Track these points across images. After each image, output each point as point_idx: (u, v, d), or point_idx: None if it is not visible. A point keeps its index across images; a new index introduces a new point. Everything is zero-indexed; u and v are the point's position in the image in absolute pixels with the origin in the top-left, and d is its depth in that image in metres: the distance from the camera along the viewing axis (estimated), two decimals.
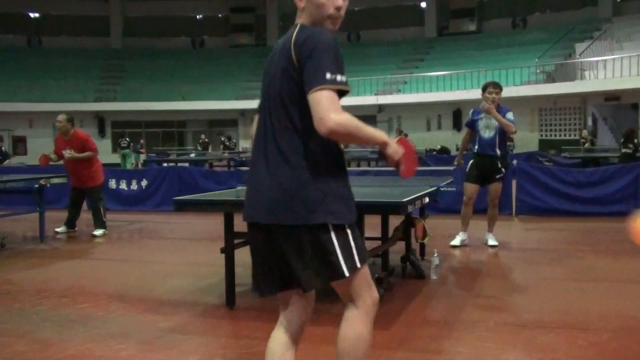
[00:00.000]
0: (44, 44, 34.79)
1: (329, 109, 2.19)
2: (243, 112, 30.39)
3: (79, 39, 34.90)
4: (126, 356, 3.71)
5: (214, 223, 7.89)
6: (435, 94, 26.05)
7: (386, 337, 3.99)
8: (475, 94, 27.42)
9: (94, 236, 8.40)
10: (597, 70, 22.78)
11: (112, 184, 11.69)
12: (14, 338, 4.05)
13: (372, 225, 5.15)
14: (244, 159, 21.90)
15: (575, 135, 23.91)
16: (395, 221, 5.61)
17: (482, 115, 6.87)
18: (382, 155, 2.45)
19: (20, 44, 34.51)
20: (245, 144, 29.54)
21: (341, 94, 2.29)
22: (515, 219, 9.47)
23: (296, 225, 2.30)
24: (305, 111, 2.27)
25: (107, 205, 9.40)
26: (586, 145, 18.78)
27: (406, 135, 19.72)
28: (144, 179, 11.75)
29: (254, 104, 21.40)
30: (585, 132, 20.15)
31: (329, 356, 3.73)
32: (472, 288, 5.38)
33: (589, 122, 24.45)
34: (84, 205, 8.98)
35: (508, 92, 25.36)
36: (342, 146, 2.45)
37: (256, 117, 2.55)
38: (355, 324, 2.53)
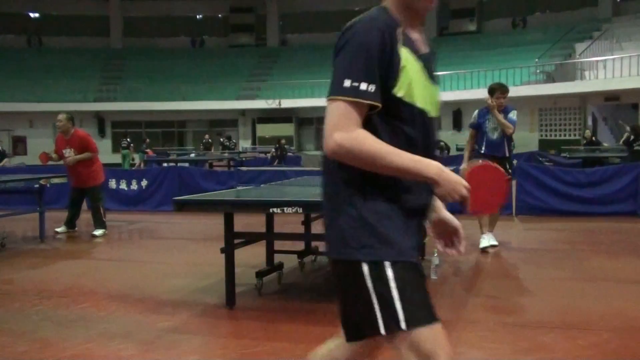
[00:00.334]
0: (44, 44, 34.78)
1: (335, 126, 1.75)
2: (243, 112, 30.41)
3: (79, 39, 34.88)
4: (126, 356, 3.71)
5: (214, 223, 7.89)
6: None
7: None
8: (476, 94, 27.49)
9: (94, 236, 8.40)
10: (597, 70, 22.77)
11: (112, 184, 11.68)
12: (14, 338, 4.05)
13: None
14: (243, 159, 21.90)
15: (575, 135, 23.91)
16: None
17: (488, 117, 6.78)
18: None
19: (20, 44, 34.50)
20: (245, 144, 29.56)
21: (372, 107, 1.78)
22: (516, 219, 9.47)
23: (334, 258, 1.89)
24: None
25: (107, 205, 9.40)
26: (588, 145, 18.75)
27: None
28: (144, 179, 11.74)
29: (254, 104, 21.48)
30: (588, 132, 20.15)
31: None
32: (472, 288, 5.38)
33: (589, 122, 24.44)
34: (84, 205, 8.97)
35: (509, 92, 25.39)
36: None
37: None
38: None
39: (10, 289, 5.53)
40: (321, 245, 6.39)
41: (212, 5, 36.29)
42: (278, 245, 5.77)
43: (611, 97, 22.96)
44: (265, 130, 30.10)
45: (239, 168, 14.20)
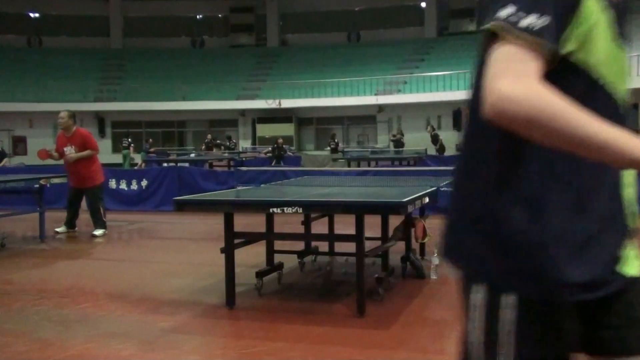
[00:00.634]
0: (44, 44, 34.78)
1: (498, 73, 1.11)
2: (243, 112, 30.40)
3: (79, 39, 34.88)
4: (126, 356, 3.71)
5: (214, 223, 7.89)
6: (435, 94, 26.05)
7: (386, 337, 3.99)
8: None
9: (94, 236, 8.39)
10: None
11: (112, 184, 11.68)
12: (14, 338, 4.05)
13: (372, 225, 5.15)
14: (244, 159, 21.90)
15: None
16: (395, 221, 5.61)
17: None
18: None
19: (20, 44, 34.49)
20: (245, 144, 29.55)
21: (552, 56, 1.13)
22: None
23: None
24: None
25: (107, 205, 9.39)
26: None
27: None
28: (144, 179, 11.74)
29: (254, 104, 21.49)
30: None
31: (329, 356, 3.73)
32: None
33: None
34: (84, 206, 8.97)
35: None
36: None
37: None
38: None
39: (10, 289, 5.53)
40: (321, 245, 6.39)
41: (212, 5, 36.29)
42: (278, 245, 5.77)
43: None
44: (265, 130, 30.10)
45: (239, 168, 14.19)
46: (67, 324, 4.35)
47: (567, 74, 1.18)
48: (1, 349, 3.83)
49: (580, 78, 1.20)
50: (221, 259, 4.76)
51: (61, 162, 8.78)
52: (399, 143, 22.51)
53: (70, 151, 8.41)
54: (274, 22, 35.42)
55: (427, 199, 5.05)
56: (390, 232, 5.51)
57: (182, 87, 29.73)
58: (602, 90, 1.23)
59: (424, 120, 25.81)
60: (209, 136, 26.67)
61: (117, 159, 24.75)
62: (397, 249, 5.68)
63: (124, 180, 11.77)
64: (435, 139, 21.96)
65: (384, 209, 4.60)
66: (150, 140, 26.89)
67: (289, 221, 6.34)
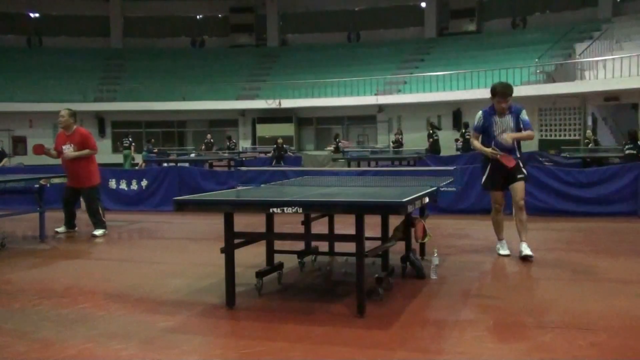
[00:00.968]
0: (44, 44, 34.77)
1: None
2: (243, 112, 30.39)
3: (79, 39, 34.88)
4: (126, 356, 3.71)
5: (214, 223, 7.89)
6: (435, 94, 26.04)
7: (386, 337, 3.99)
8: (476, 94, 27.40)
9: (94, 236, 8.39)
10: (597, 70, 22.75)
11: (112, 184, 11.69)
12: (14, 338, 4.05)
13: (372, 225, 5.15)
14: (244, 159, 21.90)
15: (575, 135, 23.90)
16: (395, 221, 5.61)
17: (495, 119, 6.35)
18: None
19: (20, 44, 34.49)
20: (245, 144, 29.54)
21: None
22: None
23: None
24: None
25: (107, 205, 9.39)
26: (590, 145, 18.73)
27: None
28: (144, 179, 11.75)
29: (254, 104, 21.53)
30: (589, 133, 20.13)
31: (329, 356, 3.73)
32: (472, 288, 5.38)
33: (589, 122, 24.43)
34: (83, 205, 8.96)
35: None
36: None
37: None
38: None
39: (10, 289, 5.53)
40: (321, 245, 6.39)
41: (212, 5, 36.29)
42: (278, 245, 5.77)
43: (611, 97, 22.94)
44: (265, 130, 30.09)
45: (239, 168, 14.19)
46: (67, 324, 4.35)
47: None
48: (1, 349, 3.83)
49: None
50: (221, 259, 4.76)
51: (59, 161, 8.75)
52: (398, 143, 22.52)
53: (69, 149, 8.40)
54: (274, 22, 35.42)
55: (427, 199, 5.05)
56: (390, 232, 5.51)
57: (182, 87, 29.73)
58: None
59: (423, 120, 25.79)
60: (209, 136, 26.66)
61: (117, 159, 24.75)
62: (397, 249, 5.69)
63: (124, 180, 11.78)
64: (429, 138, 21.95)
65: (384, 209, 4.60)
66: (152, 140, 26.89)
67: (289, 221, 6.34)
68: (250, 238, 5.20)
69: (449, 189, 6.19)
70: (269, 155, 22.21)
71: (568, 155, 16.80)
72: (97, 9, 35.11)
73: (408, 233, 5.77)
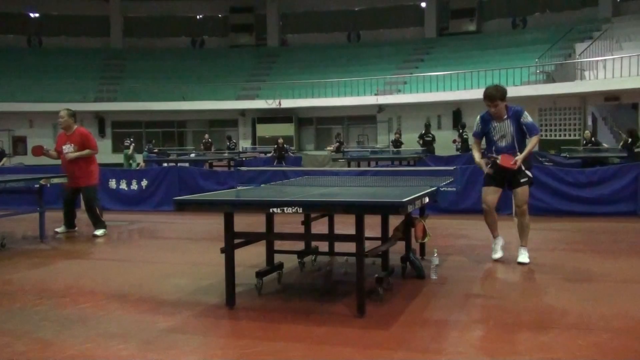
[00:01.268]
0: (44, 44, 34.76)
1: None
2: (243, 112, 30.39)
3: (79, 39, 34.86)
4: (126, 356, 3.71)
5: (214, 223, 7.89)
6: (435, 94, 26.03)
7: (386, 337, 3.99)
8: (476, 94, 27.16)
9: (95, 236, 8.39)
10: (597, 70, 22.75)
11: (112, 184, 11.69)
12: (14, 338, 4.05)
13: (372, 225, 5.15)
14: (244, 159, 21.90)
15: (575, 135, 23.90)
16: (395, 221, 5.61)
17: (493, 124, 6.09)
18: None
19: (20, 44, 34.48)
20: (245, 144, 29.54)
21: None
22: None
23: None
24: None
25: (107, 206, 9.38)
26: (589, 145, 18.72)
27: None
28: (144, 179, 11.74)
29: (254, 104, 21.52)
30: (587, 133, 20.13)
31: (329, 356, 3.73)
32: (472, 288, 5.38)
33: (589, 122, 24.43)
34: (83, 206, 8.96)
35: (508, 92, 25.26)
36: None
37: None
38: None
39: (10, 289, 5.53)
40: (321, 245, 6.39)
41: (212, 5, 36.28)
42: (278, 245, 5.77)
43: (611, 97, 22.94)
44: (265, 130, 30.09)
45: (239, 168, 14.19)
46: (67, 324, 4.35)
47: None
48: (1, 349, 3.83)
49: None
50: (221, 259, 4.76)
51: (59, 161, 8.74)
52: (397, 143, 22.53)
53: (69, 149, 8.40)
54: (274, 22, 35.41)
55: (427, 199, 5.05)
56: (390, 232, 5.51)
57: (182, 87, 29.72)
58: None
59: (424, 119, 25.77)
60: (206, 136, 26.64)
61: (117, 159, 24.73)
62: (397, 249, 5.69)
63: (124, 180, 11.77)
64: (420, 138, 21.93)
65: (384, 209, 4.60)
66: (153, 140, 26.87)
67: (289, 221, 6.34)
68: (250, 238, 5.20)
69: (449, 189, 6.19)
70: (269, 155, 22.20)
71: (568, 156, 16.80)
72: (97, 9, 35.10)
73: (408, 233, 5.77)
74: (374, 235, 5.34)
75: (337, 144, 23.59)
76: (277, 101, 28.38)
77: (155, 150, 24.83)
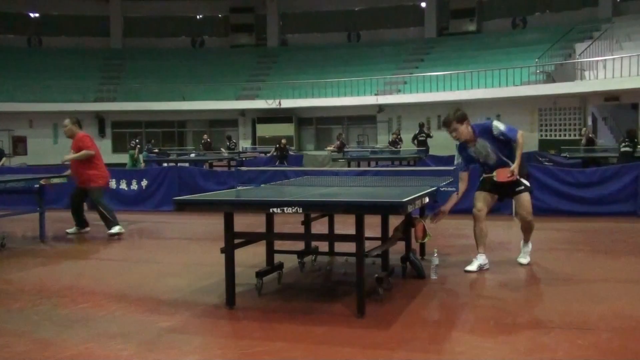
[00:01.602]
0: (44, 44, 34.75)
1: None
2: (243, 112, 30.38)
3: (79, 39, 34.84)
4: (126, 356, 3.71)
5: (214, 223, 7.89)
6: (435, 94, 26.02)
7: (386, 337, 3.99)
8: (476, 94, 27.33)
9: (111, 235, 8.28)
10: (597, 70, 22.75)
11: (112, 183, 11.68)
12: (14, 338, 4.05)
13: (372, 225, 5.15)
14: (244, 159, 21.90)
15: (575, 135, 23.90)
16: (395, 221, 5.61)
17: (471, 149, 5.81)
18: None
19: (20, 44, 34.47)
20: (245, 144, 29.53)
21: None
22: (515, 219, 9.45)
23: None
24: None
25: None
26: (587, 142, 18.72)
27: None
28: (144, 179, 11.74)
29: (254, 104, 21.51)
30: (584, 130, 20.12)
31: (329, 356, 3.74)
32: (472, 288, 5.38)
33: (589, 122, 24.43)
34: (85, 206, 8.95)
35: (508, 92, 25.28)
36: None
37: None
38: None
39: (10, 289, 5.53)
40: (321, 245, 6.40)
41: (212, 5, 36.27)
42: (278, 245, 5.77)
43: (611, 97, 22.94)
44: (265, 130, 30.09)
45: (238, 168, 14.19)
46: (67, 324, 4.35)
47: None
48: (1, 349, 3.83)
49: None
50: (221, 259, 4.76)
51: (58, 161, 8.79)
52: (395, 143, 22.55)
53: (71, 154, 8.47)
54: (274, 22, 35.40)
55: (427, 199, 5.05)
56: (390, 233, 5.51)
57: (182, 87, 29.72)
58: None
59: (423, 120, 25.78)
60: (205, 136, 26.62)
61: (118, 159, 24.71)
62: (397, 249, 5.69)
63: (124, 180, 11.77)
64: (414, 139, 21.93)
65: (384, 209, 4.60)
66: (153, 140, 26.84)
67: (289, 221, 6.34)
68: (250, 238, 5.20)
69: (449, 189, 6.18)
70: (269, 155, 22.18)
71: (568, 156, 16.81)
72: (97, 9, 35.09)
73: (408, 233, 5.77)
74: (374, 235, 5.33)
75: (339, 143, 23.64)
76: (277, 101, 28.38)
77: (155, 150, 24.81)
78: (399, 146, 22.02)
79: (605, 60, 22.40)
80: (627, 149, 14.07)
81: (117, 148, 29.15)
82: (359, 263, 4.37)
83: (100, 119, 30.51)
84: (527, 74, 24.65)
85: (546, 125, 25.45)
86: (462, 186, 5.93)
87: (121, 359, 3.68)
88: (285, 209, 4.30)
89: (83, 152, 8.44)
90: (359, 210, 4.35)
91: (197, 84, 30.05)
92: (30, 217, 8.65)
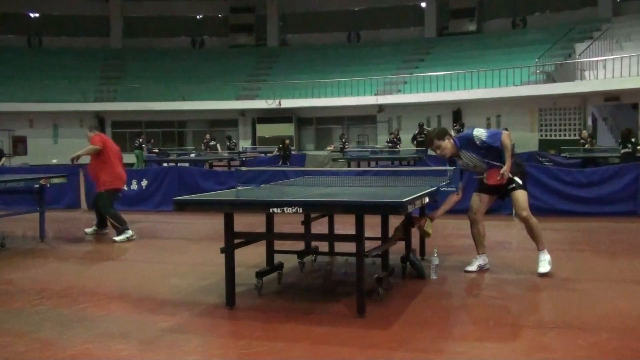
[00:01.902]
0: (44, 44, 34.77)
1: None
2: (243, 112, 30.39)
3: (79, 39, 34.87)
4: (126, 356, 3.71)
5: (214, 223, 7.89)
6: (435, 94, 26.04)
7: (386, 337, 3.99)
8: (476, 94, 27.33)
9: (114, 241, 8.05)
10: (597, 70, 22.76)
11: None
12: (14, 338, 4.05)
13: (372, 225, 5.15)
14: (244, 159, 21.90)
15: (575, 135, 23.91)
16: (395, 221, 5.61)
17: (458, 161, 5.77)
18: None
19: (20, 44, 34.49)
20: (245, 144, 29.53)
21: None
22: (515, 219, 9.44)
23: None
24: None
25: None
26: (586, 146, 18.75)
27: None
28: (144, 179, 11.74)
29: (254, 104, 21.51)
30: (585, 132, 20.13)
31: (329, 356, 3.74)
32: (472, 288, 5.38)
33: (589, 122, 24.44)
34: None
35: (508, 92, 25.27)
36: None
37: None
38: None
39: (10, 289, 5.53)
40: (321, 245, 6.40)
41: (212, 5, 36.29)
42: (278, 245, 5.77)
43: (611, 97, 22.95)
44: (265, 130, 30.10)
45: (239, 168, 14.20)
46: (67, 324, 4.35)
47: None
48: (1, 349, 3.83)
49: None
50: (221, 259, 4.76)
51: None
52: (393, 143, 22.56)
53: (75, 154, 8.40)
54: (274, 22, 35.41)
55: (427, 199, 5.05)
56: (391, 232, 5.51)
57: (182, 87, 29.73)
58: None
59: (423, 120, 25.76)
60: (207, 136, 26.61)
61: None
62: (397, 249, 5.69)
63: None
64: (413, 140, 21.90)
65: (384, 209, 4.60)
66: (152, 140, 26.84)
67: (289, 221, 6.34)
68: (250, 238, 5.21)
69: (449, 189, 6.19)
70: (272, 154, 22.17)
71: (568, 156, 16.80)
72: (97, 9, 35.11)
73: (408, 233, 5.77)
74: (374, 235, 5.34)
75: (343, 142, 23.70)
76: (277, 101, 28.38)
77: (155, 150, 24.81)
78: (398, 146, 22.04)
79: (605, 60, 22.40)
80: (627, 150, 14.09)
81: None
82: (359, 263, 4.37)
83: (100, 119, 30.49)
84: (527, 74, 24.66)
85: (546, 125, 25.45)
86: (455, 197, 5.76)
87: (121, 359, 3.68)
88: (285, 209, 4.30)
89: (90, 147, 8.29)
90: (358, 210, 4.35)
91: (197, 84, 30.06)
92: (30, 217, 8.65)
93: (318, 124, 30.89)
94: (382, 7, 33.74)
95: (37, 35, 34.92)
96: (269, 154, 22.60)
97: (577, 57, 24.72)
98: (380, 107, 28.16)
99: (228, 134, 27.98)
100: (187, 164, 17.72)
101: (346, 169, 17.04)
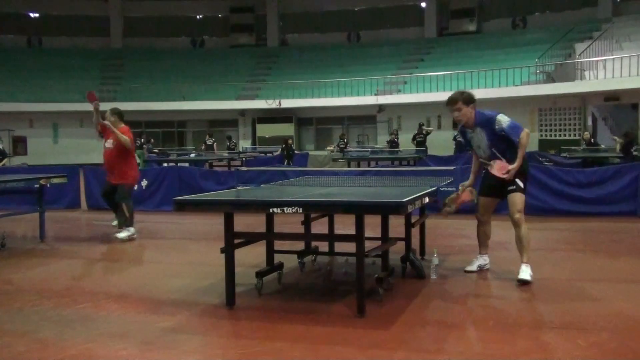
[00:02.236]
0: (44, 44, 34.77)
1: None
2: (243, 112, 30.38)
3: (79, 39, 34.87)
4: (126, 356, 3.71)
5: (214, 223, 7.89)
6: (435, 94, 26.00)
7: (386, 337, 3.99)
8: (476, 94, 27.12)
9: (115, 238, 8.06)
10: (597, 70, 22.76)
11: None
12: (14, 338, 4.05)
13: (372, 225, 5.15)
14: (244, 159, 21.90)
15: (575, 135, 23.91)
16: (395, 221, 5.61)
17: (470, 133, 5.66)
18: None
19: (20, 44, 34.49)
20: (245, 144, 29.53)
21: None
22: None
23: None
24: None
25: (106, 205, 9.24)
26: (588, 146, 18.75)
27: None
28: (144, 179, 11.73)
29: (254, 104, 21.49)
30: (587, 134, 20.14)
31: (329, 356, 3.74)
32: (472, 288, 5.38)
33: (589, 122, 24.43)
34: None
35: (508, 92, 25.26)
36: None
37: None
38: None
39: (10, 289, 5.53)
40: (321, 245, 6.39)
41: (212, 5, 36.29)
42: (278, 245, 5.77)
43: (611, 97, 22.95)
44: (265, 130, 30.10)
45: (239, 168, 14.19)
46: (67, 324, 4.35)
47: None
48: (1, 349, 3.83)
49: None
50: (221, 259, 4.76)
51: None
52: (393, 143, 22.55)
53: (110, 144, 8.22)
54: (274, 22, 35.41)
55: (427, 199, 5.05)
56: (390, 233, 5.50)
57: (182, 87, 29.72)
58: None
59: (423, 120, 25.77)
60: (208, 136, 26.59)
61: None
62: (397, 249, 5.69)
63: None
64: (413, 140, 21.92)
65: (384, 209, 4.60)
66: (152, 140, 26.82)
67: (289, 221, 6.34)
68: (250, 238, 5.21)
69: (449, 189, 6.18)
70: (276, 154, 22.16)
71: (568, 155, 16.80)
72: (97, 9, 35.11)
73: (408, 233, 5.77)
74: (374, 235, 5.34)
75: (344, 142, 23.72)
76: (277, 101, 28.38)
77: (155, 151, 24.79)
78: (397, 146, 22.06)
79: (605, 60, 22.40)
80: (637, 153, 14.19)
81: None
82: (359, 263, 4.37)
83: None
84: (527, 74, 24.66)
85: (546, 125, 25.45)
86: (474, 167, 5.81)
87: (121, 359, 3.68)
88: (285, 209, 4.30)
89: (124, 137, 8.10)
90: (359, 210, 4.35)
91: (197, 84, 30.05)
92: (30, 217, 8.65)
93: (318, 124, 30.88)
94: (382, 7, 33.74)
95: (37, 35, 34.92)
96: (274, 153, 22.59)
97: (577, 57, 24.72)
98: (380, 107, 28.15)
99: (228, 134, 27.98)
100: (187, 164, 17.72)
101: (346, 169, 17.04)
